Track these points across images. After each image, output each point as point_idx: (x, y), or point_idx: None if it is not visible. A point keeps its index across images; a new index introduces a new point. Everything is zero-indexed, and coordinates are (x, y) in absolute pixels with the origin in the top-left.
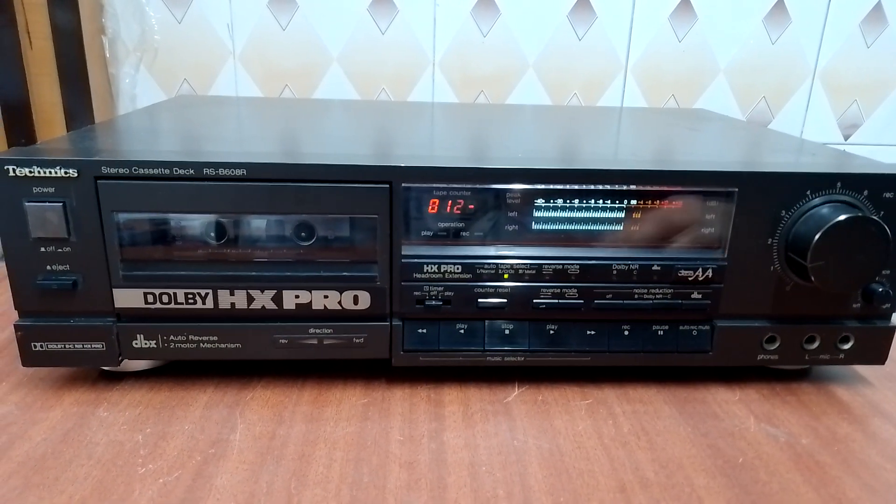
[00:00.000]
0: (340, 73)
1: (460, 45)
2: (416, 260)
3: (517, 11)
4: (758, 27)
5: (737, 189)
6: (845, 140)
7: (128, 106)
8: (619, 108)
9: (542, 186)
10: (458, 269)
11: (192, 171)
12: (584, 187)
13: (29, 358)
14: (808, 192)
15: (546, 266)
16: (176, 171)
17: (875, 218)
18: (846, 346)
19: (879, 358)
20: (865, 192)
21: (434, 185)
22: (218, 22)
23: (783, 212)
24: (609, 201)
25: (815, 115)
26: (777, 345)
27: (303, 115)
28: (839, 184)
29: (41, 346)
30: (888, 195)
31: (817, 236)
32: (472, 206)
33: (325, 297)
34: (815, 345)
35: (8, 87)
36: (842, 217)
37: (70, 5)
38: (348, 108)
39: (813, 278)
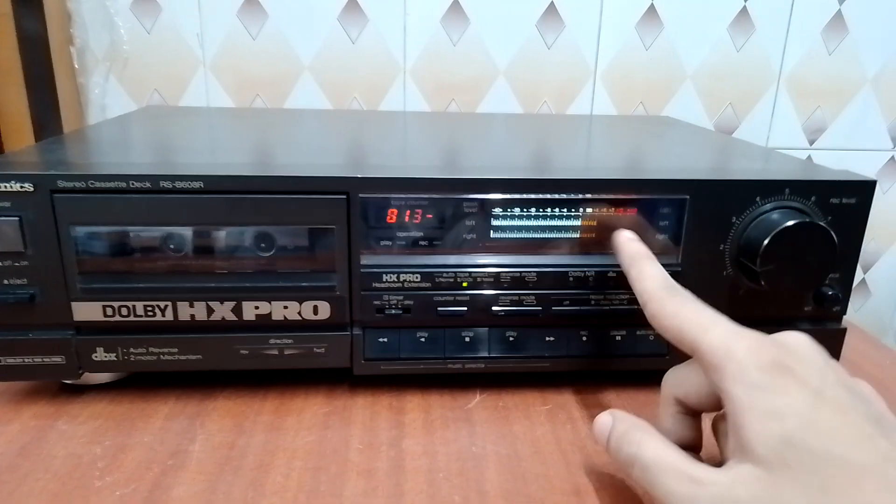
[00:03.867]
0: (312, 81)
1: (431, 53)
2: (375, 269)
3: (486, 20)
4: (723, 34)
5: (688, 196)
6: (811, 145)
7: (98, 116)
8: (587, 116)
9: (498, 196)
10: (417, 277)
11: (148, 184)
12: (539, 196)
13: None
14: (758, 199)
15: (504, 274)
16: (133, 184)
17: (822, 223)
18: None
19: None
20: (813, 198)
21: (391, 196)
22: (188, 31)
23: (734, 218)
24: (565, 209)
25: (781, 120)
26: None
27: (273, 126)
28: (787, 190)
29: None
30: (835, 200)
31: (766, 241)
32: (429, 216)
33: (285, 307)
34: None
35: None
36: (790, 222)
37: (37, 15)
38: (319, 118)
39: (763, 282)
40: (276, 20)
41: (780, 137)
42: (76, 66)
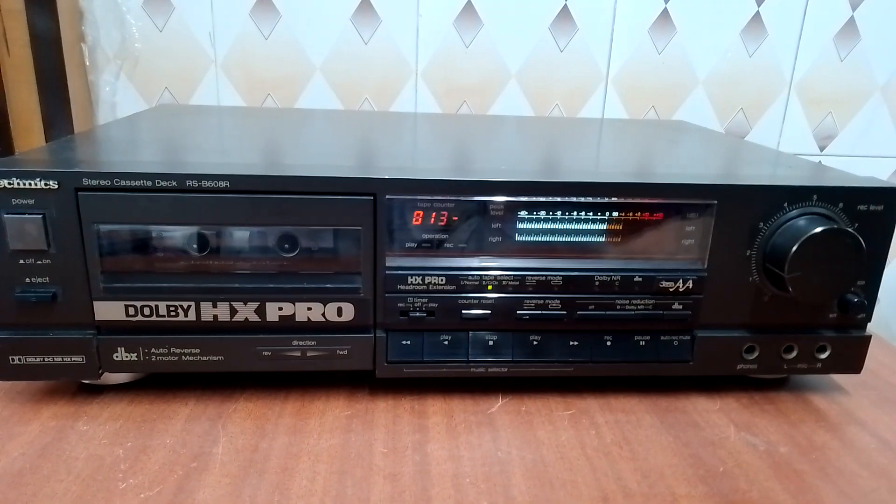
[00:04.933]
0: (323, 82)
1: (443, 55)
2: (400, 271)
3: (500, 22)
4: (735, 40)
5: (716, 201)
6: (821, 151)
7: (108, 114)
8: (599, 119)
9: (525, 199)
10: (442, 280)
11: (174, 183)
12: (566, 199)
13: (6, 372)
14: (786, 205)
15: (529, 277)
16: (158, 182)
17: (850, 230)
18: (823, 356)
19: (855, 367)
20: (840, 205)
21: (418, 198)
22: (200, 30)
23: (761, 224)
24: (591, 213)
25: (792, 126)
26: (756, 354)
27: (285, 126)
28: (815, 196)
29: (19, 360)
30: (862, 207)
31: (794, 248)
32: (455, 218)
33: (309, 308)
34: (794, 354)
35: None
36: (818, 229)
37: (49, 12)
38: (331, 118)
39: (790, 289)
40: (289, 20)
41: (790, 143)
42: (87, 63)
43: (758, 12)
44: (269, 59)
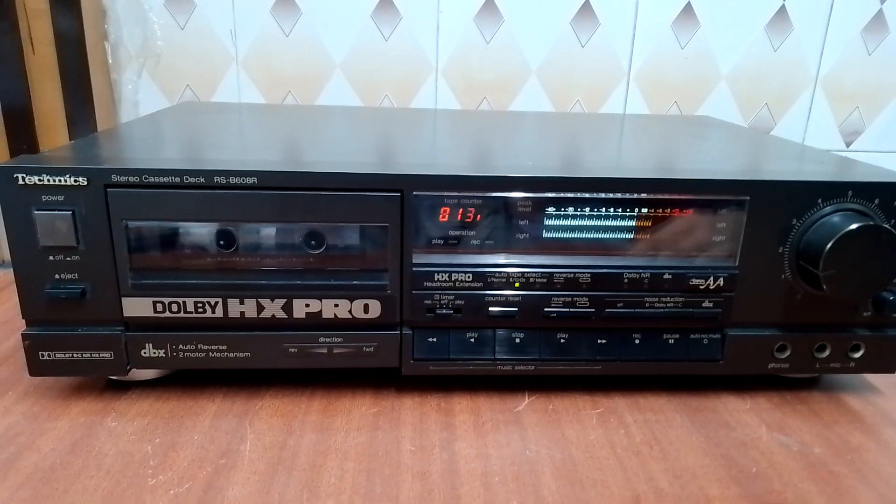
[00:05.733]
0: (343, 79)
1: (463, 51)
2: (426, 268)
3: (520, 18)
4: (760, 34)
5: (748, 197)
6: (847, 147)
7: (130, 112)
8: (622, 115)
9: (553, 195)
10: (468, 277)
11: (202, 180)
12: (594, 196)
13: (36, 367)
14: (820, 201)
15: (557, 274)
16: (186, 179)
17: (886, 227)
18: (857, 355)
19: (890, 366)
20: (876, 201)
21: (445, 194)
22: (221, 28)
23: (794, 220)
24: (620, 210)
25: (817, 121)
26: (788, 353)
27: (307, 122)
28: (850, 192)
29: (49, 356)
30: None
31: (829, 245)
32: (482, 215)
33: (336, 305)
34: (826, 353)
35: (10, 94)
36: (853, 226)
37: (73, 11)
38: (352, 115)
39: (825, 287)
40: (310, 17)
41: (816, 139)
42: (110, 61)
43: (783, 6)
44: (289, 57)
